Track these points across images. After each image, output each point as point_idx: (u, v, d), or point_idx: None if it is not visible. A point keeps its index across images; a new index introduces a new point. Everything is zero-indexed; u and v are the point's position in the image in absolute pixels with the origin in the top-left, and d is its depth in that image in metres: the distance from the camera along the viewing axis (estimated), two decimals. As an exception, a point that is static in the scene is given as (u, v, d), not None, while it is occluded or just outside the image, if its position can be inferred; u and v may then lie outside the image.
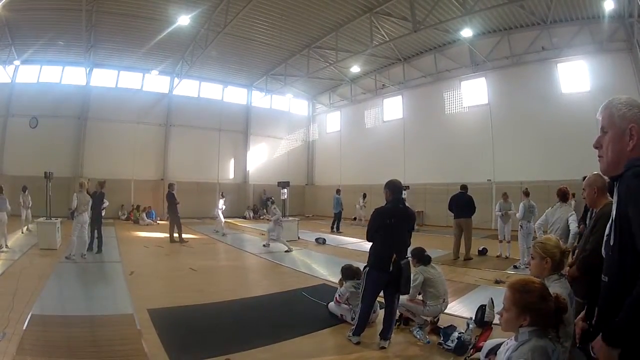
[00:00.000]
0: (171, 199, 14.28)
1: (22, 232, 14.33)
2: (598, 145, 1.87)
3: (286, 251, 12.41)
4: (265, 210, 26.25)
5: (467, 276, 9.19)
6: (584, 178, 4.14)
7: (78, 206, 10.16)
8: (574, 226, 6.35)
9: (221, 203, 17.19)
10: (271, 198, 15.47)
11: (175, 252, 12.24)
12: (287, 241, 14.43)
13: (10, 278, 7.68)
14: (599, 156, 1.88)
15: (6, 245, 11.13)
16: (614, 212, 1.65)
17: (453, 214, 11.82)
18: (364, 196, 22.03)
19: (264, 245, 13.38)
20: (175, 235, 14.13)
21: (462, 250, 11.48)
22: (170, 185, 14.72)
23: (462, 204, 11.64)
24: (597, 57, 16.34)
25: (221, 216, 17.19)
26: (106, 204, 11.99)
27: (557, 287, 2.72)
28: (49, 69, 22.11)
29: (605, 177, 3.53)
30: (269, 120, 29.59)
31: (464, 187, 12.01)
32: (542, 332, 2.19)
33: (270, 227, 13.70)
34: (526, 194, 10.33)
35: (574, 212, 6.69)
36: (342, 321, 5.85)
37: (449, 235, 16.82)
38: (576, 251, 4.29)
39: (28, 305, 5.84)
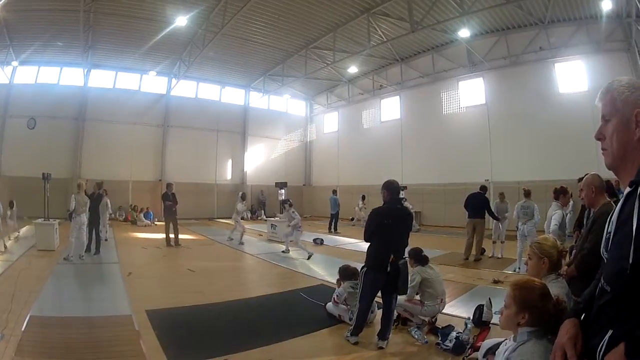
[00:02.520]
0: (165, 199, 13.50)
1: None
2: (601, 137, 1.64)
3: (308, 258, 11.34)
4: (261, 211, 26.33)
5: (465, 276, 9.21)
6: (580, 180, 4.16)
7: (76, 207, 10.15)
8: (553, 223, 6.64)
9: (241, 207, 14.95)
10: (289, 200, 13.78)
11: (173, 253, 12.22)
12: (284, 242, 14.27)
13: (8, 279, 7.67)
14: (602, 149, 1.65)
15: (5, 246, 11.18)
16: (635, 222, 1.34)
17: (467, 213, 11.80)
18: (363, 198, 22.05)
19: (282, 252, 12.39)
20: (172, 236, 13.35)
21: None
22: (168, 185, 13.93)
23: (478, 204, 11.64)
24: (594, 57, 16.38)
25: (241, 223, 14.86)
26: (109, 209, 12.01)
27: (555, 287, 2.74)
28: (47, 69, 22.07)
29: (605, 176, 3.51)
30: (267, 121, 29.61)
31: (483, 188, 12.10)
32: (542, 333, 2.19)
33: (287, 232, 12.61)
34: (525, 194, 10.07)
35: (558, 211, 6.78)
36: (340, 321, 5.86)
37: (446, 235, 16.89)
38: (574, 250, 4.30)
39: (26, 307, 5.83)
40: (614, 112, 1.57)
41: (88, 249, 10.83)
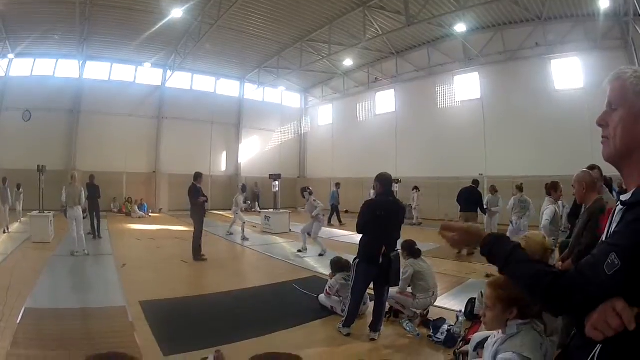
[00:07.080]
0: (195, 194, 10.48)
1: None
2: (603, 123, 1.48)
3: (320, 254, 10.53)
4: (255, 203, 26.35)
5: (457, 270, 9.28)
6: None
7: (67, 200, 10.06)
8: (544, 219, 6.65)
9: (241, 199, 13.90)
10: (308, 188, 11.99)
11: (166, 244, 12.22)
12: (279, 233, 14.13)
13: (3, 272, 7.71)
14: (603, 137, 1.49)
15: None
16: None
17: (460, 207, 11.90)
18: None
19: (299, 251, 11.12)
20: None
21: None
22: (196, 176, 10.68)
23: (470, 198, 11.76)
24: (591, 54, 16.32)
25: (241, 215, 13.73)
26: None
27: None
28: (43, 62, 21.88)
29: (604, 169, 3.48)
30: (262, 113, 29.54)
31: (475, 182, 12.23)
32: (530, 324, 2.23)
33: (306, 227, 11.24)
34: (519, 188, 10.29)
35: (549, 207, 6.83)
36: (333, 313, 5.93)
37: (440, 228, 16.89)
38: (569, 245, 4.34)
39: (21, 299, 5.87)
40: (623, 101, 1.42)
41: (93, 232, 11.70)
